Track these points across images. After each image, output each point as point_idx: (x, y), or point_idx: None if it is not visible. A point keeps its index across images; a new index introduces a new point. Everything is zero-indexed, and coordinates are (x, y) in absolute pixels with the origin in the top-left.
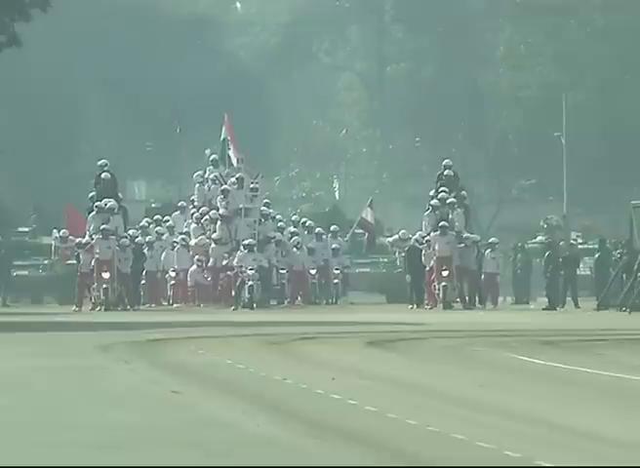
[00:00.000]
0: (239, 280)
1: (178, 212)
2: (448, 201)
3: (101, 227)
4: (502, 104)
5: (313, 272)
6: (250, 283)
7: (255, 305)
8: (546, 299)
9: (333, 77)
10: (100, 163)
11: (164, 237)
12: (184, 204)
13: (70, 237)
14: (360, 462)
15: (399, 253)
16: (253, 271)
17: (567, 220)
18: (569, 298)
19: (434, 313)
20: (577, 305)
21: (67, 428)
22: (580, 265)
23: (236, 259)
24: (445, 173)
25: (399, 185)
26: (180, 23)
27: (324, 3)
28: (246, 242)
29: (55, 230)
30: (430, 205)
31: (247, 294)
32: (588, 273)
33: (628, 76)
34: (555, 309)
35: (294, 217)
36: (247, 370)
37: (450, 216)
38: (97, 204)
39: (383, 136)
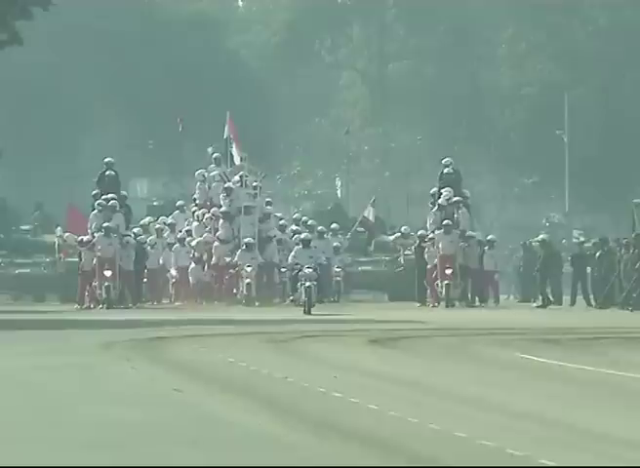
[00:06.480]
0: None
1: (177, 211)
2: (453, 200)
3: (103, 225)
4: (504, 103)
5: None
6: (247, 280)
7: (257, 303)
8: (549, 298)
9: (334, 75)
10: (105, 160)
11: (165, 235)
12: (183, 203)
13: (73, 236)
14: (361, 461)
15: (402, 250)
16: (250, 268)
17: (569, 218)
18: (580, 297)
19: (436, 311)
20: (589, 304)
21: (68, 426)
22: None
23: (236, 257)
24: (445, 171)
25: (401, 183)
26: (182, 22)
27: (326, 1)
28: (245, 240)
29: (59, 228)
30: (437, 203)
31: (245, 292)
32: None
33: (630, 75)
34: (546, 307)
35: (295, 216)
36: (248, 368)
37: (455, 215)
38: (98, 202)
39: (385, 133)
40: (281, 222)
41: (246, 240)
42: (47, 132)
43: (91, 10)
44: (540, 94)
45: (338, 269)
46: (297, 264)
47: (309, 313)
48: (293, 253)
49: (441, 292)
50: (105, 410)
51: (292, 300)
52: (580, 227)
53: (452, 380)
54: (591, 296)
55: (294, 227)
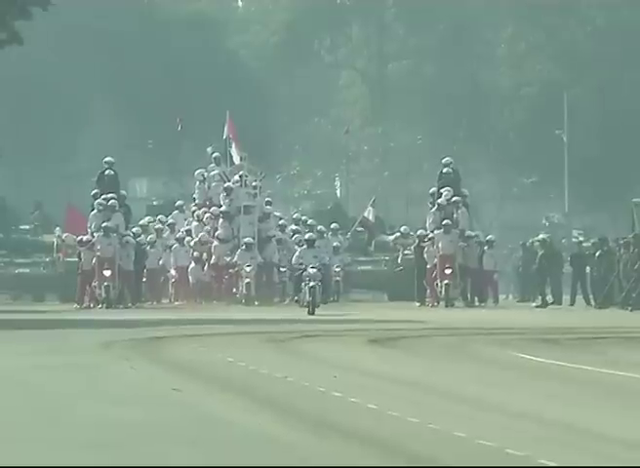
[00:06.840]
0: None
1: (177, 211)
2: (452, 199)
3: (103, 225)
4: (504, 102)
5: None
6: (247, 280)
7: (256, 303)
8: (550, 298)
9: (334, 75)
10: (106, 160)
11: (165, 235)
12: (182, 202)
13: (71, 236)
14: (361, 461)
15: (402, 250)
16: (250, 268)
17: (568, 218)
18: (579, 297)
19: (436, 311)
20: (588, 303)
21: (67, 426)
22: None
23: (236, 257)
24: (444, 171)
25: (400, 183)
26: (181, 22)
27: (325, 1)
28: (245, 240)
29: (57, 228)
30: (437, 203)
31: (244, 292)
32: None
33: (628, 74)
34: (545, 307)
35: (295, 215)
36: (248, 367)
37: (454, 215)
38: (98, 201)
39: (385, 133)
40: (281, 222)
41: (245, 240)
42: (46, 131)
43: (90, 10)
44: (540, 93)
45: (337, 269)
46: (301, 264)
47: (313, 313)
48: (297, 254)
49: (440, 292)
50: (105, 410)
51: (296, 301)
52: (580, 227)
53: (451, 380)
54: (591, 296)
55: (293, 227)
